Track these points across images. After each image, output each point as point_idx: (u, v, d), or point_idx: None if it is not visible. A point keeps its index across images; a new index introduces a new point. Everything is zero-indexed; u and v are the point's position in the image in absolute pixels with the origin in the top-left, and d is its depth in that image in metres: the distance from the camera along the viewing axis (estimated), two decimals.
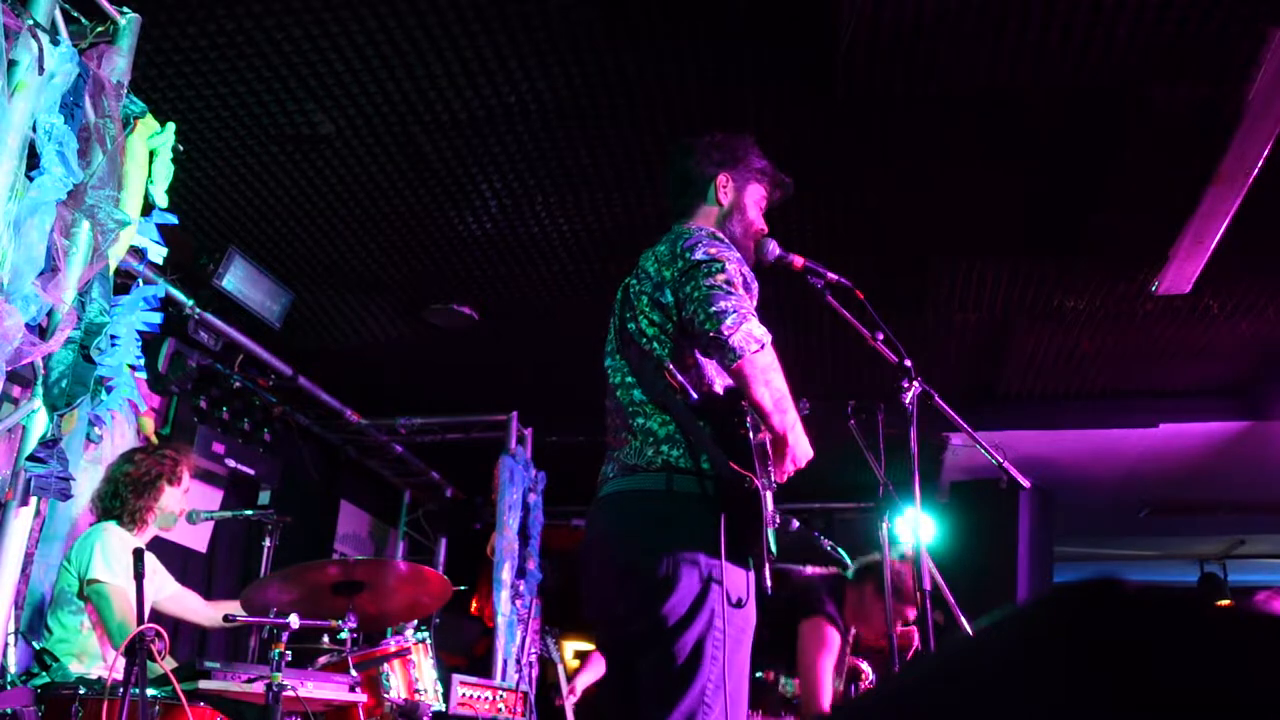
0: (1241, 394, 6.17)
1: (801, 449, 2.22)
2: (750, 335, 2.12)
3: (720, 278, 2.19)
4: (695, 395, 2.23)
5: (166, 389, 4.97)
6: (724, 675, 2.08)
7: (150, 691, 2.57)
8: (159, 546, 3.97)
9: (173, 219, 2.82)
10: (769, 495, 2.14)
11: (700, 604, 2.10)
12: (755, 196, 2.55)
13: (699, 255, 2.24)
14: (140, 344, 2.81)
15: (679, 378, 2.25)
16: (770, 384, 2.15)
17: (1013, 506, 7.06)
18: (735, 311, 2.13)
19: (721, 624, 2.10)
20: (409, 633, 3.81)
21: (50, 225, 2.31)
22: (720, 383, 2.29)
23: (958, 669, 0.64)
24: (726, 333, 2.11)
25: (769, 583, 2.13)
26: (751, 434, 2.18)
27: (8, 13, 2.25)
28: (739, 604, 2.14)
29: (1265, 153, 3.67)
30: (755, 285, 2.34)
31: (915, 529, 2.77)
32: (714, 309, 2.14)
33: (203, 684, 2.72)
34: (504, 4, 3.30)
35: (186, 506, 3.76)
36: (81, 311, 2.44)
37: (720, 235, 2.38)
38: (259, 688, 2.76)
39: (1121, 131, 3.82)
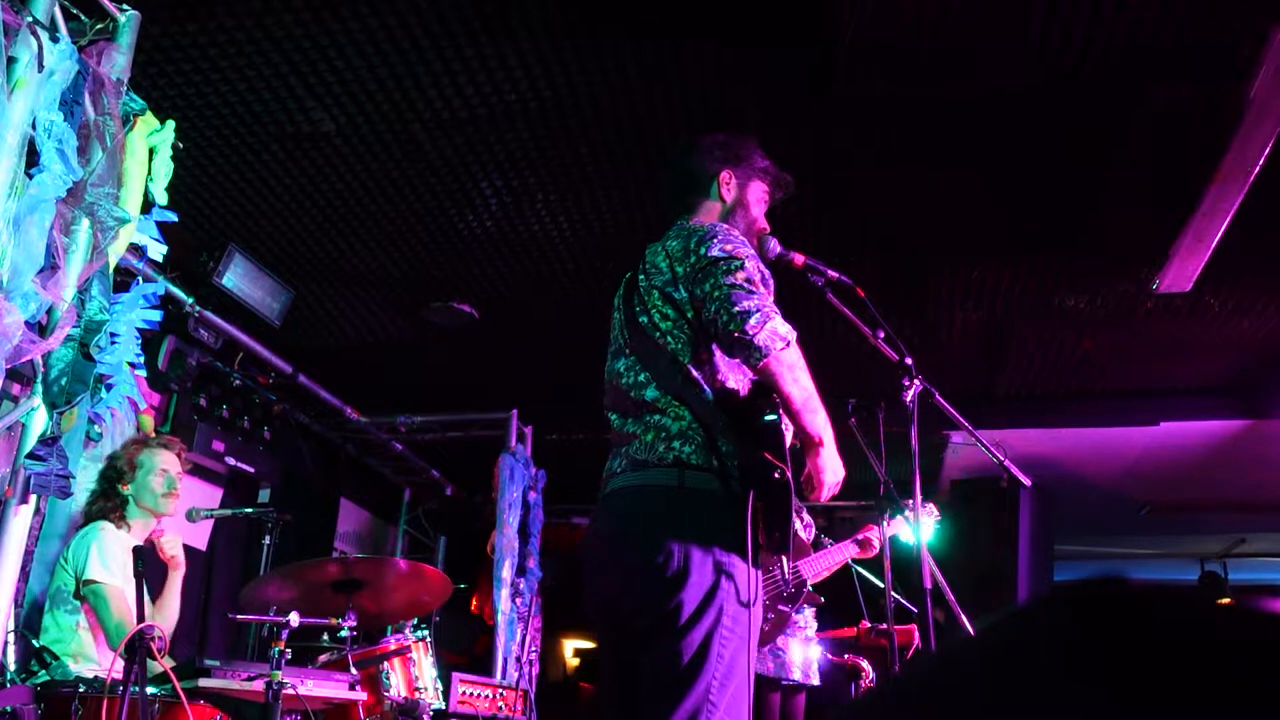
0: (1241, 393, 6.17)
1: (835, 461, 2.17)
2: (775, 333, 2.11)
3: (740, 276, 2.17)
4: (710, 391, 2.23)
5: (166, 387, 4.97)
6: (729, 674, 2.07)
7: (150, 690, 2.57)
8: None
9: (172, 216, 2.82)
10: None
11: (710, 600, 2.09)
12: (758, 194, 2.54)
13: (715, 252, 2.22)
14: (140, 341, 2.81)
15: (694, 373, 2.24)
16: (798, 382, 2.13)
17: (1013, 505, 7.07)
18: (759, 310, 2.11)
19: (730, 622, 2.09)
20: (409, 631, 3.82)
21: (50, 223, 2.31)
22: (735, 378, 2.27)
23: (958, 668, 0.64)
24: (751, 332, 2.09)
25: (791, 576, 2.11)
26: (783, 427, 2.17)
27: (7, 10, 2.25)
28: (747, 604, 2.13)
29: (1265, 152, 3.67)
30: (772, 280, 2.32)
31: (916, 528, 2.78)
32: (737, 309, 2.12)
33: (202, 682, 2.73)
34: (504, 4, 3.30)
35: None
36: (81, 309, 2.43)
37: (734, 230, 2.36)
38: (259, 686, 2.77)
39: (1121, 131, 3.81)
